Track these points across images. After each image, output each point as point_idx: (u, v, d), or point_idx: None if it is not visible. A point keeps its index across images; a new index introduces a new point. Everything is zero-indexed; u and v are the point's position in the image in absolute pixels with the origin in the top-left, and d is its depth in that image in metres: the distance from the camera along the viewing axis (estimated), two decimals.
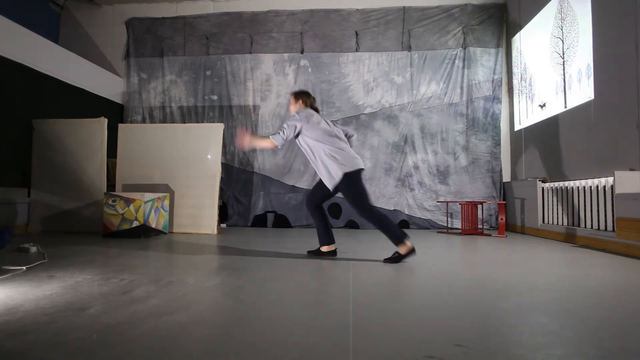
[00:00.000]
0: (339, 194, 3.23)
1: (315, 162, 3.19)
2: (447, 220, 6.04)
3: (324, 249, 3.30)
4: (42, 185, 5.17)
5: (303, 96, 3.37)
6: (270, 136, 3.18)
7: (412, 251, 3.01)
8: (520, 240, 4.70)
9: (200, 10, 6.99)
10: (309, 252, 3.44)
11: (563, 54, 4.82)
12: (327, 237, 3.28)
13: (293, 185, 6.47)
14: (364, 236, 5.14)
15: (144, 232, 4.53)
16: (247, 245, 4.04)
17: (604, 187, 3.83)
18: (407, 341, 1.38)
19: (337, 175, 3.07)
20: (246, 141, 3.19)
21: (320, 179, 3.22)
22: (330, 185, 3.12)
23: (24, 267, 2.56)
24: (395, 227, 3.09)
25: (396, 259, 3.02)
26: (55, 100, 5.60)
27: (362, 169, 3.16)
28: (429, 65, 6.49)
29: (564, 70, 4.80)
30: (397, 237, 3.01)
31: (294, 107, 3.35)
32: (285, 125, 3.18)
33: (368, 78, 6.58)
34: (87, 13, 7.28)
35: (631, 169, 3.59)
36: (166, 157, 5.39)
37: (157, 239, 4.47)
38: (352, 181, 3.09)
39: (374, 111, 6.52)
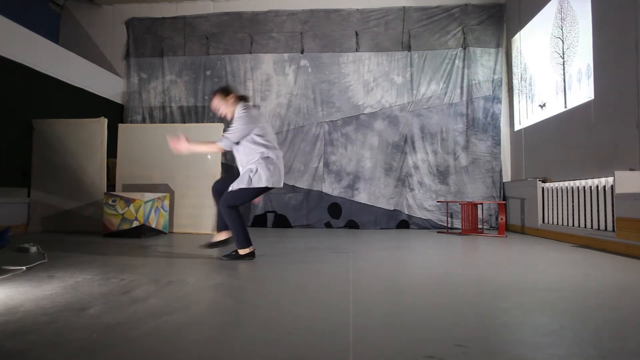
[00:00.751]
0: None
1: (242, 162, 3.04)
2: (447, 220, 6.03)
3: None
4: (42, 185, 5.17)
5: (231, 91, 3.10)
6: (217, 142, 3.00)
7: (251, 254, 3.05)
8: (520, 240, 4.70)
9: (200, 10, 6.99)
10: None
11: (563, 54, 4.81)
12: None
13: (293, 185, 6.47)
14: (364, 236, 5.14)
15: (144, 232, 4.52)
16: None
17: (604, 187, 3.83)
18: (407, 341, 1.38)
19: (259, 183, 2.97)
20: (183, 146, 2.92)
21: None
22: (242, 185, 2.98)
23: (24, 267, 2.56)
24: (246, 233, 3.05)
25: (234, 256, 3.05)
26: (55, 100, 5.59)
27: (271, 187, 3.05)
28: (429, 65, 6.49)
29: (564, 70, 4.80)
30: (242, 241, 3.02)
31: (228, 105, 3.06)
32: (234, 127, 2.94)
33: (368, 78, 6.57)
34: (87, 13, 7.28)
35: (631, 169, 3.59)
36: (166, 157, 5.37)
37: (157, 239, 4.46)
38: (255, 189, 3.01)
39: (374, 111, 6.51)
